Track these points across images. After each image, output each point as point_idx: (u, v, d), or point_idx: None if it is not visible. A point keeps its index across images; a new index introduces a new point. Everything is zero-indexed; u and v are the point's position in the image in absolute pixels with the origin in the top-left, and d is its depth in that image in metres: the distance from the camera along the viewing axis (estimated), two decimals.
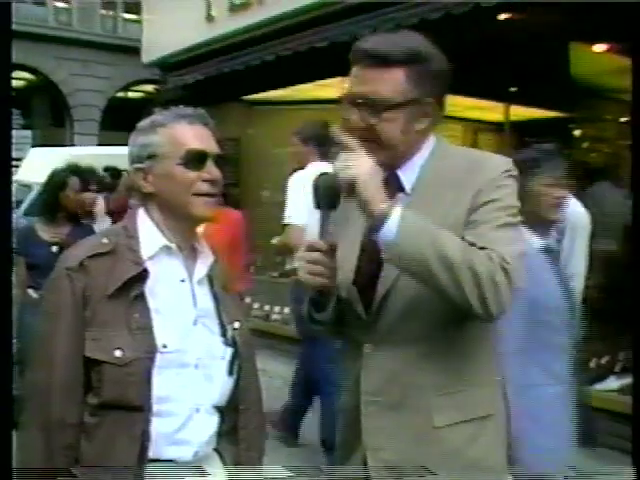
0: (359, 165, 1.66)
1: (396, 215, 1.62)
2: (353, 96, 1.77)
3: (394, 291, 1.76)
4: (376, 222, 1.64)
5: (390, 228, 1.61)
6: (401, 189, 1.82)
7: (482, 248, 1.65)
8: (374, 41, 1.80)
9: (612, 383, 5.17)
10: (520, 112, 8.91)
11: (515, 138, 8.94)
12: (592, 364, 5.16)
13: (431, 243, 1.61)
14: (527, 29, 6.04)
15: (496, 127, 9.37)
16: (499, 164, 1.80)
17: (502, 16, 5.93)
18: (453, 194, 1.75)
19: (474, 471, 1.77)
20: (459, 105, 8.56)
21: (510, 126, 8.96)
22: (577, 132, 7.81)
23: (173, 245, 1.76)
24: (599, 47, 6.97)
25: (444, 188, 1.77)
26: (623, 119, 6.90)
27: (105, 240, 1.73)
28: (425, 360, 1.76)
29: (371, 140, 1.75)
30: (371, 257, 1.78)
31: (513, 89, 8.29)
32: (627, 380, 4.85)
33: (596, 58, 7.05)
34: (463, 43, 6.12)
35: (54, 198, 4.45)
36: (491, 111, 9.20)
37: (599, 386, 5.09)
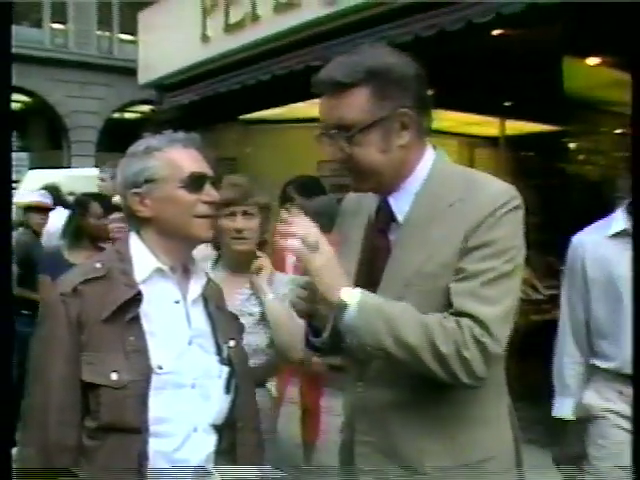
0: (316, 253, 1.60)
1: (354, 304, 1.58)
2: (325, 128, 1.72)
3: None
4: (335, 310, 1.61)
5: (349, 316, 1.59)
6: (393, 218, 1.75)
7: (459, 313, 1.59)
8: (329, 69, 1.72)
9: None
10: (515, 126, 8.94)
11: (511, 152, 8.98)
12: None
13: (389, 331, 1.57)
14: (520, 44, 6.07)
15: (492, 142, 9.40)
16: (496, 195, 1.65)
17: (495, 32, 5.96)
18: (445, 227, 1.66)
19: None
20: (455, 120, 8.60)
21: (505, 140, 8.99)
22: (572, 145, 7.84)
23: (166, 267, 1.76)
24: (592, 60, 7.01)
25: (437, 220, 1.67)
26: (618, 131, 6.93)
27: (98, 265, 1.75)
28: (416, 404, 1.68)
29: (354, 170, 1.70)
30: (366, 286, 1.67)
31: (508, 104, 8.32)
32: None
33: (589, 71, 7.09)
34: (457, 59, 6.17)
35: (76, 223, 4.50)
36: (486, 126, 9.23)
37: None
